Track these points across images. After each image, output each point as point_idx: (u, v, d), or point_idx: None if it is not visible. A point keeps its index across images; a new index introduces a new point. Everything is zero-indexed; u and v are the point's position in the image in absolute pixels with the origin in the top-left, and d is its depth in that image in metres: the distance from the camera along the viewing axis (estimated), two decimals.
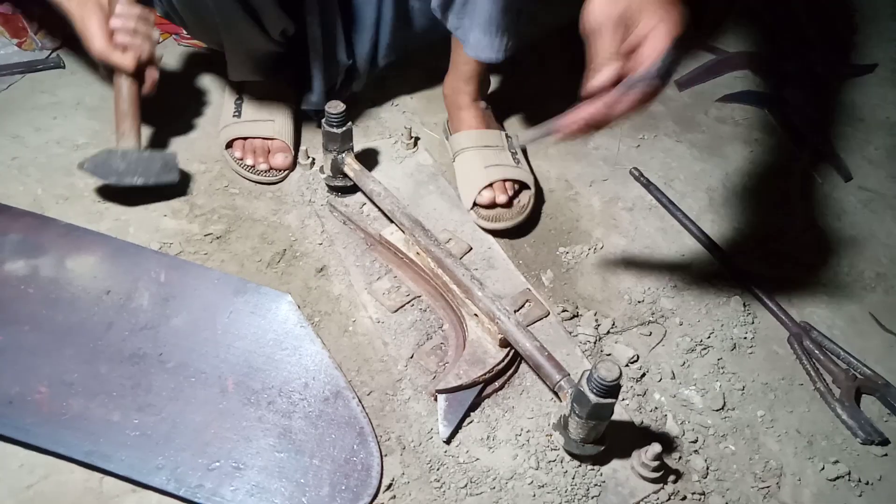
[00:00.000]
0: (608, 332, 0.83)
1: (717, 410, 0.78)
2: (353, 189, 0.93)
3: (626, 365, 0.80)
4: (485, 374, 0.74)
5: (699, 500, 0.71)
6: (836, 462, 0.75)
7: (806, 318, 0.88)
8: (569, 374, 0.69)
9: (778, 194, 1.06)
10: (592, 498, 0.69)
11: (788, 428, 0.78)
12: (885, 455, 0.76)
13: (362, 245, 0.90)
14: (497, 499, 0.69)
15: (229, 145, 0.98)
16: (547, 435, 0.73)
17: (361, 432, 0.70)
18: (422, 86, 1.13)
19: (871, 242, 1.00)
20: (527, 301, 0.83)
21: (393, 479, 0.69)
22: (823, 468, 0.74)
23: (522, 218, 0.92)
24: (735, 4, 1.38)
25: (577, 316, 0.85)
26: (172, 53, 1.14)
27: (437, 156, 1.03)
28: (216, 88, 1.09)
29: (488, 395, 0.76)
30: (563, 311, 0.85)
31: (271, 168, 0.97)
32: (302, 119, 1.05)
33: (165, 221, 0.90)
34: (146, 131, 0.96)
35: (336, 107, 0.85)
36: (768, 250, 0.97)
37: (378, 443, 0.70)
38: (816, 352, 0.84)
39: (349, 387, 0.74)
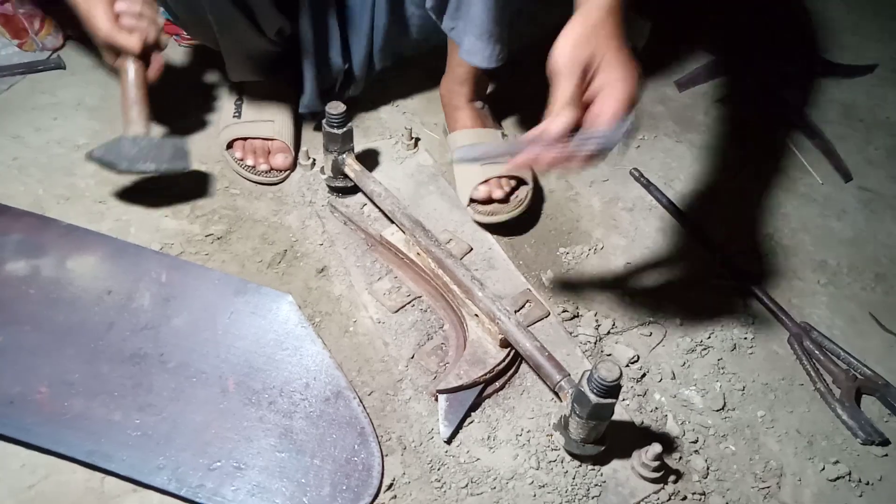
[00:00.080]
0: (608, 333, 0.84)
1: (718, 411, 0.78)
2: (354, 190, 0.93)
3: (627, 365, 0.80)
4: (485, 375, 0.74)
5: (699, 500, 0.71)
6: (837, 462, 0.75)
7: (806, 318, 0.88)
8: (569, 375, 0.70)
9: (778, 194, 1.06)
10: (593, 498, 0.69)
11: (789, 428, 0.78)
12: (886, 455, 0.76)
13: (363, 245, 0.90)
14: (498, 499, 0.69)
15: (230, 146, 0.98)
16: (547, 435, 0.73)
17: (362, 432, 0.70)
18: (422, 86, 1.13)
19: (871, 243, 1.00)
20: (527, 301, 0.84)
21: (394, 479, 0.69)
22: (824, 468, 0.74)
23: (519, 211, 0.92)
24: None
25: (578, 316, 0.85)
26: (173, 54, 1.14)
27: (437, 156, 1.03)
28: (217, 89, 1.09)
29: (489, 396, 0.76)
30: (564, 311, 0.85)
31: (272, 169, 0.97)
32: (302, 120, 1.06)
33: (166, 222, 0.91)
34: None
35: (336, 108, 0.86)
36: (768, 250, 0.97)
37: (379, 443, 0.70)
38: (816, 352, 0.84)
39: (350, 387, 0.74)
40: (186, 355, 0.74)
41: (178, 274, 0.81)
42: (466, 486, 0.69)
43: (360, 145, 0.99)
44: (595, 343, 0.82)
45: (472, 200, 0.92)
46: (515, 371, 0.78)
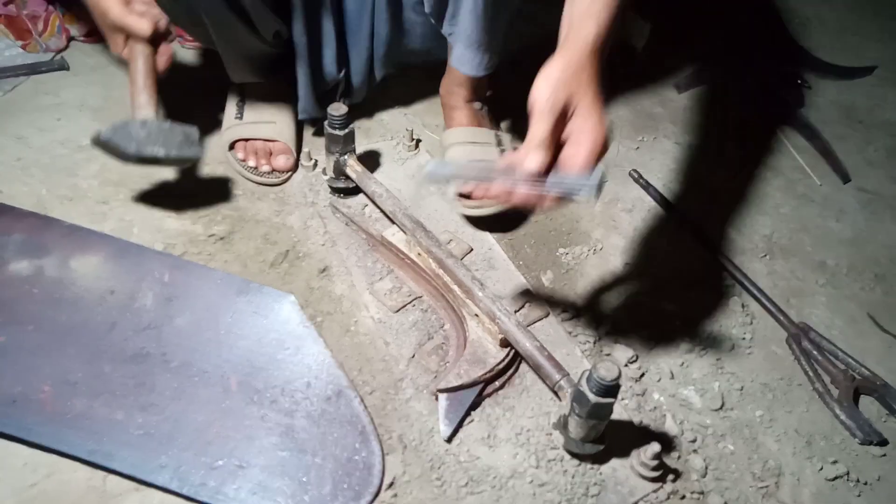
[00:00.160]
0: (607, 333, 0.84)
1: (716, 410, 0.78)
2: (356, 190, 0.94)
3: (626, 365, 0.81)
4: (485, 374, 0.74)
5: (698, 499, 0.71)
6: (835, 462, 0.75)
7: (804, 318, 0.88)
8: (568, 374, 0.70)
9: (776, 195, 1.06)
10: (592, 497, 0.69)
11: (787, 428, 0.78)
12: (884, 455, 0.77)
13: (364, 246, 0.91)
14: (497, 497, 0.69)
15: (232, 147, 0.98)
16: (547, 434, 0.73)
17: (363, 431, 0.71)
18: (423, 88, 1.14)
19: (869, 243, 1.01)
20: (527, 301, 0.84)
21: (394, 478, 0.70)
22: (822, 468, 0.75)
23: (507, 205, 0.92)
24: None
25: (577, 316, 0.86)
26: (177, 56, 1.14)
27: (438, 157, 1.03)
28: (219, 90, 1.09)
29: (489, 395, 0.76)
30: (563, 311, 0.85)
31: (273, 170, 0.97)
32: (303, 124, 1.06)
33: (169, 222, 0.91)
34: None
35: (338, 109, 0.86)
36: (767, 251, 0.97)
37: (380, 441, 0.71)
38: (815, 352, 0.84)
39: (351, 386, 0.74)
40: (189, 355, 0.75)
41: (180, 274, 0.81)
42: (466, 484, 0.70)
43: (361, 146, 1.00)
44: (594, 343, 0.82)
45: (460, 195, 0.92)
46: (515, 370, 0.79)
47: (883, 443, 0.77)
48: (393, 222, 0.88)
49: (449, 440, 0.72)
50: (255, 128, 0.98)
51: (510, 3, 0.86)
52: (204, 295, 0.80)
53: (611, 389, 0.61)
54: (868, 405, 0.81)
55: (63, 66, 1.11)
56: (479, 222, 0.92)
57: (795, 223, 1.02)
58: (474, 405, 0.75)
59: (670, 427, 0.76)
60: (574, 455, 0.72)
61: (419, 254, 0.84)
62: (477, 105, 1.00)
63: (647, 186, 1.03)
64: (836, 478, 0.74)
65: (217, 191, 0.96)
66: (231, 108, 1.01)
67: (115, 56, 0.87)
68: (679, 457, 0.74)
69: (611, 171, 1.06)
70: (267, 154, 0.97)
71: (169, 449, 0.68)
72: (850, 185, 1.09)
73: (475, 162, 0.61)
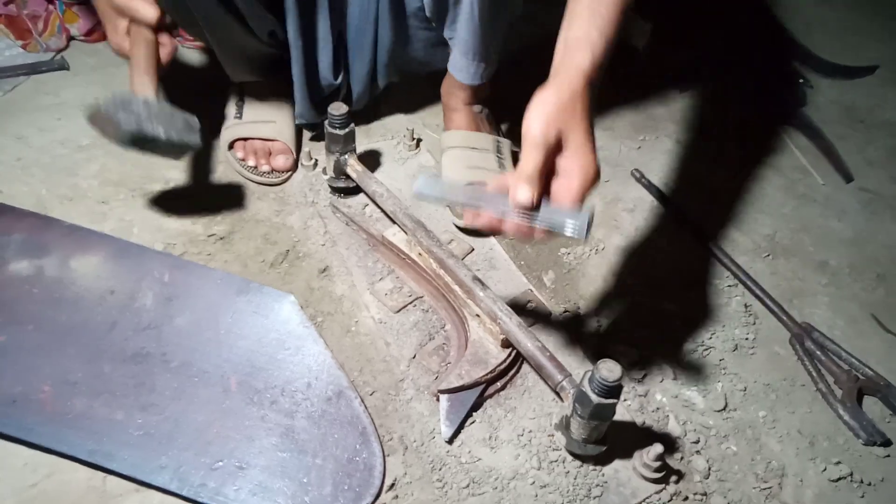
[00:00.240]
0: (610, 333, 0.84)
1: (719, 411, 0.78)
2: (356, 190, 0.93)
3: (628, 365, 0.80)
4: (487, 375, 0.74)
5: (701, 500, 0.71)
6: (838, 463, 0.75)
7: (807, 318, 0.88)
8: (570, 375, 0.70)
9: (778, 195, 1.06)
10: (594, 498, 0.69)
11: (790, 429, 0.78)
12: (888, 456, 0.76)
13: (365, 246, 0.90)
14: (499, 499, 0.69)
15: (231, 146, 0.98)
16: (549, 435, 0.73)
17: (364, 432, 0.70)
18: (424, 87, 1.13)
19: (872, 243, 1.00)
20: (528, 301, 0.84)
21: (395, 479, 0.69)
22: (825, 469, 0.74)
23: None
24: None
25: (579, 316, 0.85)
26: (177, 52, 1.14)
27: (439, 157, 1.03)
28: (219, 90, 1.09)
29: (490, 396, 0.76)
30: (565, 311, 0.85)
31: (273, 170, 0.97)
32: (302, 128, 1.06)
33: (169, 222, 0.91)
34: None
35: (338, 108, 0.86)
36: (769, 251, 0.97)
37: (380, 443, 0.70)
38: (818, 352, 0.84)
39: (352, 387, 0.74)
40: (189, 355, 0.74)
41: (180, 274, 0.81)
42: (468, 486, 0.69)
43: (362, 146, 0.99)
44: (596, 343, 0.82)
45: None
46: (517, 371, 0.78)
47: (886, 443, 0.77)
48: (394, 222, 0.88)
49: (450, 441, 0.72)
50: (254, 127, 0.98)
51: (506, 12, 0.86)
52: (204, 295, 0.79)
53: (613, 390, 0.61)
54: (871, 406, 0.81)
55: (63, 66, 1.11)
56: (472, 231, 0.92)
57: (797, 223, 1.02)
58: (476, 406, 0.74)
59: (673, 428, 0.76)
60: (576, 456, 0.71)
61: (420, 254, 0.83)
62: (477, 108, 1.00)
63: (648, 186, 1.03)
64: (839, 479, 0.74)
65: (217, 190, 0.96)
66: (231, 107, 1.01)
67: (114, 45, 0.82)
68: (682, 458, 0.74)
69: (612, 171, 1.06)
70: (266, 154, 0.97)
71: (169, 449, 0.67)
72: (851, 184, 1.09)
73: (465, 186, 0.61)
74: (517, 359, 0.78)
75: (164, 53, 0.83)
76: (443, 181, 0.61)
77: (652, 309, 0.87)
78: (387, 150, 1.03)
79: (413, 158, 1.02)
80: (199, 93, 1.08)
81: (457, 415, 0.73)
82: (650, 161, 1.08)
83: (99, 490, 0.67)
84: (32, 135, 1.00)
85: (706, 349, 0.84)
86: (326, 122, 0.87)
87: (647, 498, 0.70)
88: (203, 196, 0.94)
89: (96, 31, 1.16)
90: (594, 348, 0.82)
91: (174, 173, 0.97)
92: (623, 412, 0.75)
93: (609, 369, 0.61)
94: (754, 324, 0.87)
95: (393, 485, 0.69)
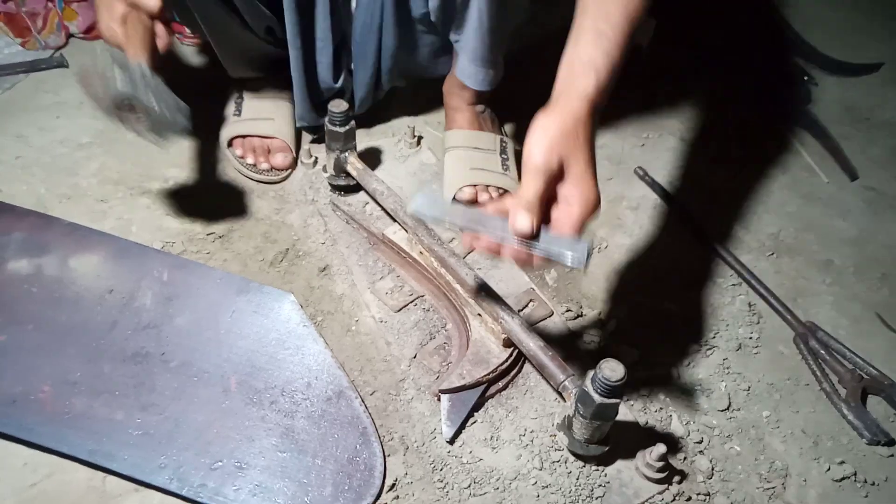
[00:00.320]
0: (612, 332, 0.83)
1: (723, 411, 0.78)
2: (356, 188, 0.93)
3: (631, 365, 0.80)
4: (488, 374, 0.74)
5: (704, 500, 0.71)
6: (842, 463, 0.74)
7: (811, 318, 0.87)
8: (573, 374, 0.69)
9: (782, 193, 1.05)
10: (597, 499, 0.69)
11: (794, 428, 0.77)
12: (892, 456, 0.76)
13: (365, 244, 0.90)
14: (500, 499, 0.68)
15: (230, 144, 0.97)
16: (551, 435, 0.73)
17: (364, 432, 0.70)
18: (425, 84, 1.13)
19: (876, 242, 1.00)
20: (530, 301, 0.83)
21: (396, 480, 0.69)
22: (829, 469, 0.74)
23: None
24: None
25: (581, 316, 0.85)
26: (176, 49, 1.14)
27: (440, 155, 1.02)
28: (219, 89, 1.09)
29: (492, 396, 0.76)
30: (567, 310, 0.85)
31: (272, 167, 0.96)
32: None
33: (168, 220, 0.90)
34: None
35: (339, 106, 0.85)
36: (773, 250, 0.96)
37: (381, 443, 0.70)
38: (822, 352, 0.83)
39: (352, 386, 0.73)
40: (188, 354, 0.74)
41: (179, 273, 0.81)
42: (469, 486, 0.69)
43: (362, 143, 0.99)
44: (599, 342, 0.82)
45: (455, 200, 0.91)
46: (519, 371, 0.78)
47: (890, 443, 0.76)
48: (394, 220, 0.87)
49: (451, 441, 0.72)
50: (252, 124, 0.97)
51: (513, 19, 0.85)
52: (204, 294, 0.79)
53: (616, 390, 0.61)
54: (875, 405, 0.80)
55: (62, 64, 1.11)
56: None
57: (801, 222, 1.01)
58: (477, 406, 0.74)
59: (676, 428, 0.76)
60: (578, 456, 0.71)
61: (421, 252, 0.83)
62: (480, 108, 0.99)
63: (652, 184, 1.02)
64: (843, 478, 0.73)
65: (216, 189, 0.95)
66: (230, 104, 1.01)
67: (105, 30, 0.74)
68: (685, 458, 0.73)
69: (616, 169, 1.05)
70: (265, 151, 0.97)
71: (169, 449, 0.67)
72: (855, 183, 1.08)
73: (464, 208, 0.61)
74: (519, 358, 0.77)
75: (160, 45, 0.78)
76: (442, 201, 0.61)
77: (655, 307, 0.87)
78: (387, 147, 1.02)
79: (414, 156, 1.02)
80: (198, 92, 1.07)
81: (458, 415, 0.72)
82: (654, 159, 1.07)
83: (99, 490, 0.67)
84: (32, 133, 1.00)
85: (709, 348, 0.83)
86: (326, 119, 0.87)
87: (650, 498, 0.69)
88: (202, 194, 0.94)
89: (95, 29, 1.16)
90: (596, 348, 0.81)
91: (173, 172, 0.97)
92: (626, 412, 0.75)
93: (612, 369, 0.60)
94: (758, 323, 0.87)
95: (394, 485, 0.69)
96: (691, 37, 1.31)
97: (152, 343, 0.75)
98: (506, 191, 0.93)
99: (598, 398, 0.61)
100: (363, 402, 0.73)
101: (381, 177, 0.90)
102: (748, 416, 0.78)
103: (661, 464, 0.68)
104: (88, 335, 0.75)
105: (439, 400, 0.74)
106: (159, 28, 0.77)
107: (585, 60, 0.58)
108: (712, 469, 0.73)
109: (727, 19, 1.36)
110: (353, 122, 0.87)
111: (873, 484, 0.73)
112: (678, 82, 1.22)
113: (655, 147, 1.10)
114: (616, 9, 0.59)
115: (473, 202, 0.91)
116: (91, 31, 1.16)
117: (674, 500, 0.70)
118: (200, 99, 1.06)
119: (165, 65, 0.78)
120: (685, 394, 0.79)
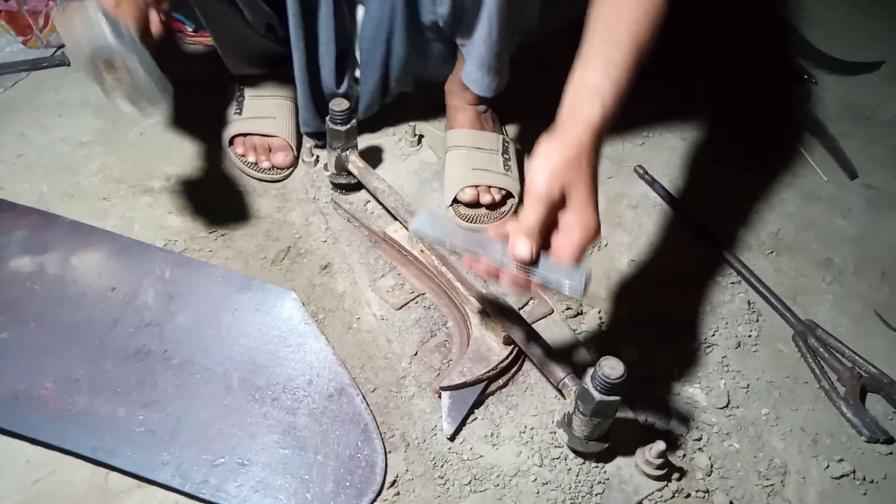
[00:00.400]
0: (612, 330, 0.83)
1: (722, 408, 0.78)
2: (357, 186, 0.93)
3: (631, 363, 0.80)
4: (489, 372, 0.74)
5: (703, 497, 0.71)
6: (841, 460, 0.74)
7: (811, 316, 0.88)
8: (573, 372, 0.69)
9: (782, 192, 1.05)
10: (596, 495, 0.69)
11: (793, 426, 0.77)
12: (890, 454, 0.76)
13: (366, 242, 0.90)
14: (501, 496, 0.69)
15: (231, 142, 0.98)
16: (551, 432, 0.73)
17: (365, 429, 0.70)
18: (426, 83, 1.13)
19: (876, 241, 1.00)
20: (531, 298, 0.83)
21: (397, 476, 0.69)
22: (828, 466, 0.74)
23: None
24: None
25: (582, 313, 0.85)
26: (176, 47, 1.14)
27: (441, 153, 1.03)
28: (219, 89, 1.09)
29: (492, 393, 0.76)
30: (568, 308, 0.85)
31: (273, 166, 0.97)
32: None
33: (170, 218, 0.91)
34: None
35: (340, 104, 0.85)
36: (773, 248, 0.96)
37: (382, 439, 0.70)
38: (821, 350, 0.83)
39: (353, 384, 0.74)
40: (190, 352, 0.74)
41: (181, 271, 0.81)
42: (470, 483, 0.69)
43: (363, 142, 0.99)
44: (599, 340, 0.82)
45: (456, 201, 0.92)
46: (519, 368, 0.78)
47: (889, 441, 0.76)
48: (395, 219, 0.88)
49: (452, 438, 0.72)
50: (253, 123, 0.97)
51: (522, 27, 0.85)
52: (205, 292, 0.79)
53: (615, 387, 0.61)
54: (874, 403, 0.81)
55: (64, 62, 1.11)
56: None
57: (801, 220, 1.01)
58: (477, 403, 0.74)
59: (675, 425, 0.76)
60: (578, 453, 0.71)
61: (422, 250, 0.83)
62: (481, 108, 0.99)
63: (652, 182, 1.02)
64: (841, 476, 0.73)
65: (218, 187, 0.96)
66: (231, 103, 1.01)
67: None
68: (684, 455, 0.74)
69: (616, 168, 1.05)
70: (266, 150, 0.97)
71: (171, 446, 0.68)
72: (856, 182, 1.08)
73: (465, 231, 0.61)
74: (519, 356, 0.78)
75: (154, 31, 0.75)
76: (443, 222, 0.61)
77: (655, 305, 0.87)
78: (388, 146, 1.03)
79: (415, 155, 1.02)
80: (198, 91, 1.08)
81: (458, 412, 0.72)
82: (654, 158, 1.07)
83: (101, 487, 0.67)
84: (34, 132, 1.00)
85: (709, 346, 0.83)
86: (328, 118, 0.87)
87: (650, 495, 0.70)
88: (204, 193, 0.94)
89: None
90: (597, 345, 0.81)
91: (175, 170, 0.97)
92: (625, 409, 0.75)
93: (611, 366, 0.61)
94: (757, 321, 0.87)
95: (395, 482, 0.69)
96: (691, 36, 1.31)
97: (154, 340, 0.75)
98: (507, 191, 0.93)
99: (597, 395, 0.61)
100: (364, 399, 0.73)
101: (382, 175, 0.90)
102: (747, 414, 0.78)
103: (660, 461, 0.68)
104: (90, 333, 0.75)
105: (440, 397, 0.74)
106: (153, 15, 0.74)
107: (592, 87, 0.57)
108: (711, 466, 0.73)
109: (727, 19, 1.36)
110: (354, 121, 0.87)
111: (872, 482, 0.74)
112: (678, 82, 1.22)
113: (656, 146, 1.10)
114: (626, 36, 0.59)
115: (476, 204, 0.91)
116: None
117: (673, 497, 0.70)
118: (200, 100, 1.07)
119: (158, 51, 0.74)
120: (684, 391, 0.79)
